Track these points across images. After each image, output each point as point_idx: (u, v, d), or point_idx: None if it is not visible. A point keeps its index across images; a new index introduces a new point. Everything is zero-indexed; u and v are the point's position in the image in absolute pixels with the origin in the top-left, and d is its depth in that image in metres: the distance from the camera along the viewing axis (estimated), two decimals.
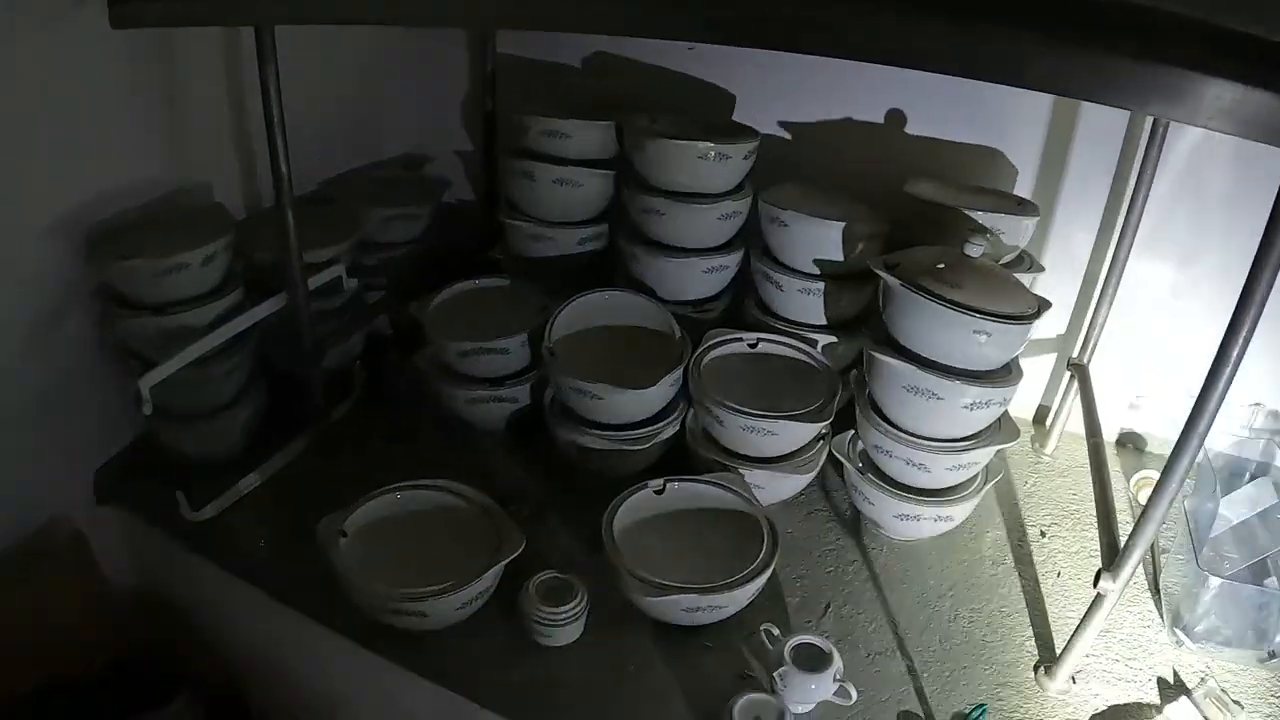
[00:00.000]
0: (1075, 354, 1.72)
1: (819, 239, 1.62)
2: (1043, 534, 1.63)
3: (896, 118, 1.79)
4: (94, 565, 1.67)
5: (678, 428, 1.66)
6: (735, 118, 1.89)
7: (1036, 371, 1.88)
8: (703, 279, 1.79)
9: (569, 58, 2.04)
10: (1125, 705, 1.32)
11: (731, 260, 1.79)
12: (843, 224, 1.60)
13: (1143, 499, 1.68)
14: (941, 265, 1.41)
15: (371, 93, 2.16)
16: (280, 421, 1.79)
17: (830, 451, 1.63)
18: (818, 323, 1.72)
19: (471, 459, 1.76)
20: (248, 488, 1.65)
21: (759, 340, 1.69)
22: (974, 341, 1.37)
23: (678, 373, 1.59)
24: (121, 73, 1.54)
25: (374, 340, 1.99)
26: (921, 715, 1.30)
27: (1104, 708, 1.32)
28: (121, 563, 1.78)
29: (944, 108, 1.75)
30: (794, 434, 1.55)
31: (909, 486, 1.53)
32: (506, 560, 1.35)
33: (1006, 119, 1.72)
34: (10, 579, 1.57)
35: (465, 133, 2.26)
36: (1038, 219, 1.62)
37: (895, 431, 1.49)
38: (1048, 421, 1.85)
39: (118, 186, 1.60)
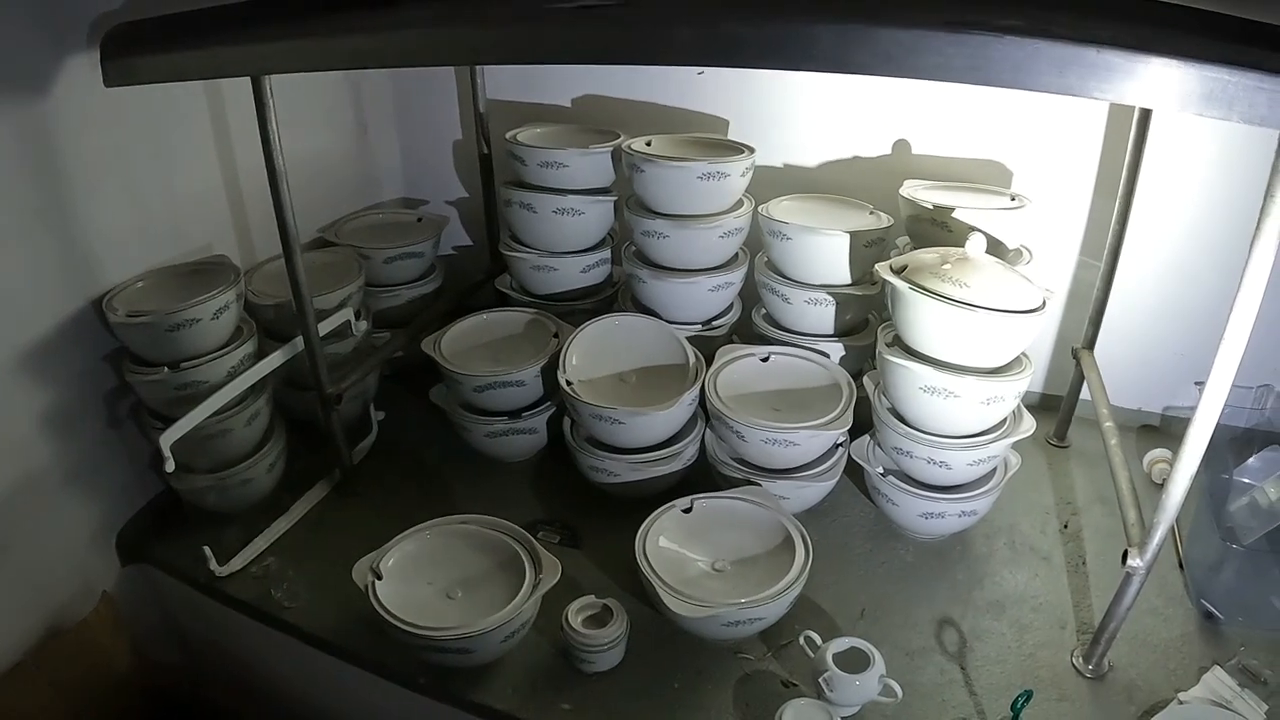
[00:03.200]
0: (1080, 341, 1.75)
1: (822, 249, 1.65)
2: (1065, 526, 1.65)
3: (895, 138, 1.83)
4: (124, 626, 1.66)
5: (698, 446, 1.67)
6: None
7: (1046, 361, 1.93)
8: (709, 297, 1.80)
9: (557, 98, 2.07)
10: (1161, 679, 1.34)
11: (736, 276, 1.81)
12: (845, 233, 1.62)
13: (1157, 477, 1.72)
14: (946, 265, 1.43)
15: (363, 141, 2.18)
16: (300, 467, 1.79)
17: (850, 457, 1.64)
18: (826, 332, 1.74)
19: (495, 491, 1.77)
20: (273, 536, 1.65)
21: (770, 355, 1.71)
22: (984, 338, 1.40)
23: (694, 392, 1.60)
24: (110, 135, 1.55)
25: (387, 380, 2.00)
26: (970, 706, 1.31)
27: (1141, 683, 1.33)
28: (152, 620, 1.77)
29: (921, 114, 1.81)
30: (814, 443, 1.57)
31: (931, 485, 1.55)
32: (546, 589, 1.35)
33: (995, 129, 1.77)
34: (43, 647, 1.56)
35: (459, 174, 2.28)
36: (1032, 213, 1.64)
37: (914, 432, 1.50)
38: (1059, 410, 1.87)
39: (122, 251, 1.61)
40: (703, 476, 1.68)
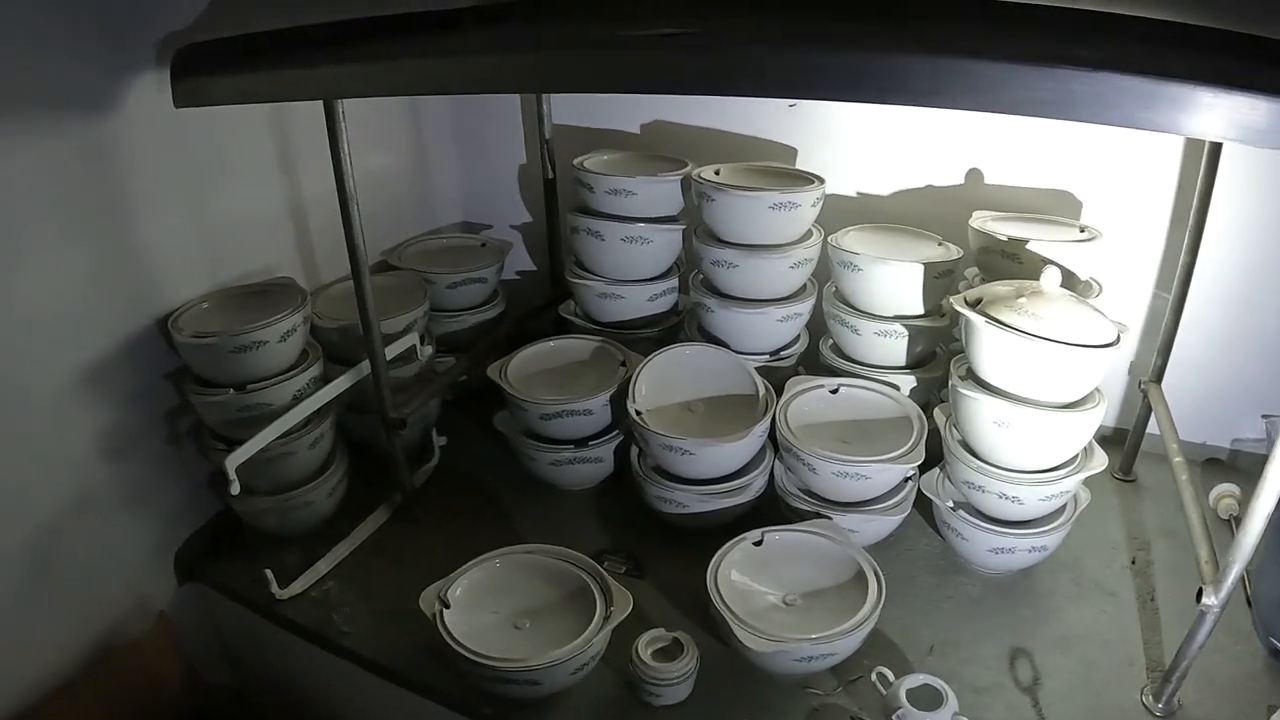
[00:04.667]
0: (1148, 375, 1.72)
1: (894, 280, 1.64)
2: (1133, 561, 1.63)
3: (963, 168, 1.81)
4: (178, 646, 1.66)
5: (767, 478, 1.65)
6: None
7: (1118, 395, 1.91)
8: (777, 328, 1.79)
9: (622, 124, 2.06)
10: (1229, 718, 1.32)
11: (805, 307, 1.79)
12: (918, 264, 1.61)
13: (1223, 512, 1.69)
14: (1022, 298, 1.41)
15: (423, 164, 2.18)
16: (359, 492, 1.77)
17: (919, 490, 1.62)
18: (895, 364, 1.72)
19: (556, 519, 1.76)
20: (334, 561, 1.64)
21: (839, 386, 1.69)
22: (1061, 372, 1.38)
23: (766, 423, 1.58)
24: (174, 154, 1.56)
25: (446, 405, 2.00)
26: None
27: None
28: (205, 640, 1.77)
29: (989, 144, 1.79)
30: (886, 476, 1.55)
31: (1002, 520, 1.53)
32: (618, 621, 1.34)
33: (1066, 159, 1.75)
34: (97, 665, 1.56)
35: (521, 199, 2.28)
36: (1104, 244, 1.63)
37: (987, 466, 1.48)
38: (1124, 444, 1.84)
39: (185, 271, 1.61)
40: (769, 508, 1.66)
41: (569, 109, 2.05)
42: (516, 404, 1.70)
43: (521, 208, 2.29)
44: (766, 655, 1.31)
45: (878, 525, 1.58)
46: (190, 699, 1.68)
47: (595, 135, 2.07)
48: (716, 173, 1.77)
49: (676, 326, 1.97)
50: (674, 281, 1.93)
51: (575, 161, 1.84)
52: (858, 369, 1.74)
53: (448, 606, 1.37)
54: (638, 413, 1.61)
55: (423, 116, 2.15)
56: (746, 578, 1.45)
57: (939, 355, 1.78)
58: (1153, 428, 1.69)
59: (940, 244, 1.71)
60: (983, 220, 1.68)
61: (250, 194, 1.71)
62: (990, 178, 1.81)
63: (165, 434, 1.64)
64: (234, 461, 1.45)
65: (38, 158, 1.35)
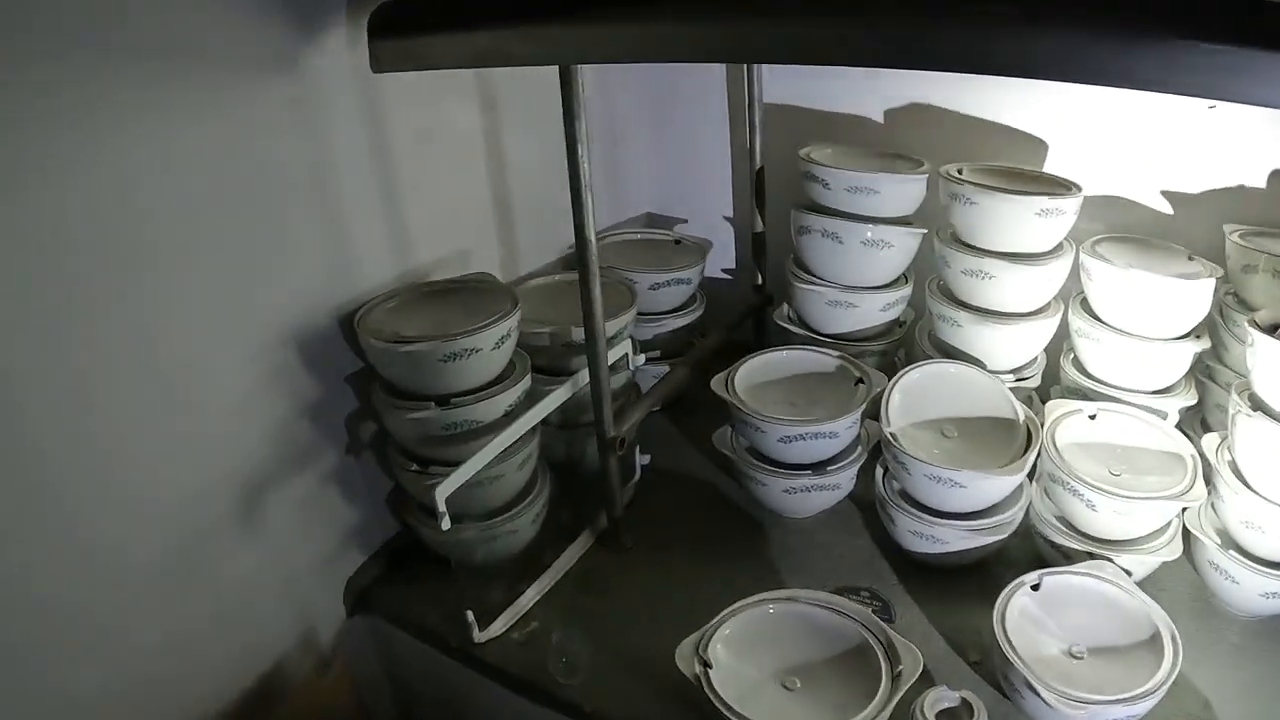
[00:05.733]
0: None
1: (1168, 299, 1.48)
2: None
3: (1209, 176, 1.64)
4: (356, 685, 1.48)
5: (1024, 512, 1.49)
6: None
7: None
8: (1025, 345, 1.63)
9: (838, 105, 1.86)
10: None
11: (1051, 325, 1.63)
12: (1207, 281, 1.46)
13: None
14: None
15: (614, 151, 1.99)
16: (552, 516, 1.59)
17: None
18: (1148, 388, 1.57)
19: (778, 551, 1.58)
20: (537, 595, 1.46)
21: (1098, 412, 1.53)
22: None
23: (1035, 452, 1.43)
24: (361, 126, 1.39)
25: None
26: None
27: None
28: (372, 677, 1.59)
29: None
30: (1164, 513, 1.41)
31: (1276, 562, 1.40)
32: (911, 680, 1.20)
33: None
34: (271, 707, 1.42)
35: (715, 191, 2.08)
36: None
37: (1271, 505, 1.36)
38: None
39: (373, 257, 1.44)
40: (1015, 545, 1.51)
41: (780, 88, 1.84)
42: (752, 424, 1.52)
43: (716, 200, 2.08)
44: (1069, 715, 1.17)
45: (1144, 566, 1.44)
46: None
47: (810, 120, 1.86)
48: (959, 172, 1.60)
49: (902, 340, 1.81)
50: (907, 290, 1.75)
51: (802, 153, 1.66)
52: (1109, 390, 1.58)
53: (709, 665, 1.21)
54: (893, 437, 1.45)
55: (614, 96, 1.93)
56: (1025, 624, 1.31)
57: (1183, 381, 1.63)
58: None
59: (1190, 259, 1.57)
60: (1243, 234, 1.55)
61: (436, 174, 1.52)
62: (1242, 189, 1.63)
63: (341, 448, 1.45)
64: (444, 491, 1.29)
65: (211, 130, 1.17)
